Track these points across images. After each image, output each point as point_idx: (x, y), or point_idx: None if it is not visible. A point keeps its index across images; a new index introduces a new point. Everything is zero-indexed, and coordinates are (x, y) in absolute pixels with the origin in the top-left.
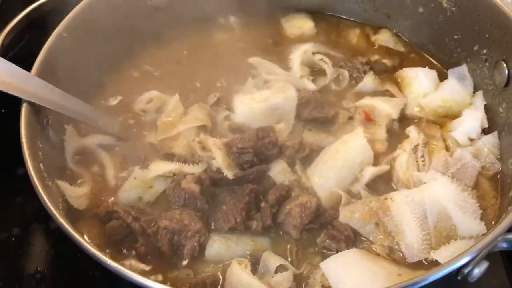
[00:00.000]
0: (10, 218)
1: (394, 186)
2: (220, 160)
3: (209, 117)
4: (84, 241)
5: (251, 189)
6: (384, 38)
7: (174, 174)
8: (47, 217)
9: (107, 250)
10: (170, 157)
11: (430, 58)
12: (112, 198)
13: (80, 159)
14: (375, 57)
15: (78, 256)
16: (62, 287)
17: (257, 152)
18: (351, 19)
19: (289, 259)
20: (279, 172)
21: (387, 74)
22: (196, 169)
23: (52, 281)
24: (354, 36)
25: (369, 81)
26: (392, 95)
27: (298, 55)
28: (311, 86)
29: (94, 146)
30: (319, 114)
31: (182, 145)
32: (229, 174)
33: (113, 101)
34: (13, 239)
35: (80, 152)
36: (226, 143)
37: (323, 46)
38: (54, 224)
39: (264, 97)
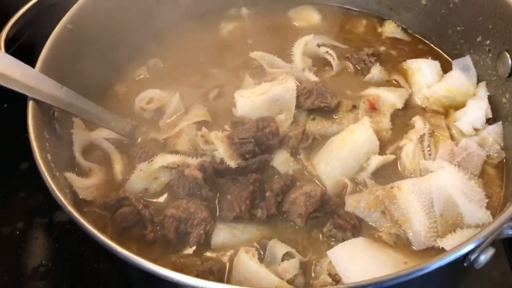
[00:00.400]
0: (14, 213)
1: (400, 175)
2: (222, 151)
3: (209, 113)
4: (94, 229)
5: (254, 178)
6: (390, 29)
7: (178, 166)
8: (50, 211)
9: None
10: (175, 154)
11: (437, 49)
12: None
13: (87, 152)
14: (382, 48)
15: (82, 249)
16: (66, 280)
17: (258, 142)
18: (356, 9)
19: (296, 247)
20: (281, 162)
21: (394, 64)
22: (199, 161)
23: (57, 274)
24: (361, 27)
25: (376, 72)
26: (399, 85)
27: (299, 47)
28: (313, 78)
29: (102, 140)
30: (322, 104)
31: (185, 141)
32: (231, 163)
33: (117, 98)
34: (17, 233)
35: (88, 145)
36: (228, 135)
37: (329, 38)
38: (58, 218)
39: (264, 89)
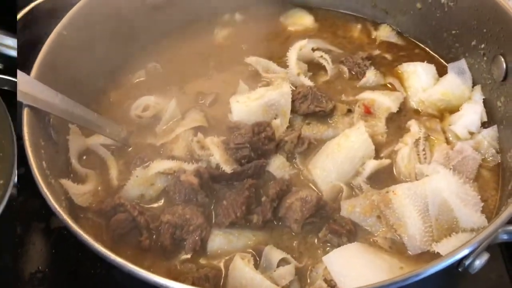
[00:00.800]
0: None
1: (395, 179)
2: (218, 156)
3: (206, 118)
4: (88, 237)
5: (250, 184)
6: (385, 33)
7: (174, 171)
8: (47, 216)
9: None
10: (171, 159)
11: (432, 53)
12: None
13: (83, 159)
14: (377, 51)
15: (80, 255)
16: (63, 286)
17: (254, 147)
18: (350, 13)
19: (291, 253)
20: (277, 167)
21: (389, 68)
22: (195, 166)
23: (54, 280)
24: (355, 31)
25: (371, 76)
26: (394, 89)
27: (294, 52)
28: (308, 82)
29: (98, 146)
30: (317, 108)
31: (181, 147)
32: (227, 168)
33: (113, 104)
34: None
35: (84, 151)
36: (224, 140)
37: (323, 42)
38: (55, 223)
39: (259, 94)
